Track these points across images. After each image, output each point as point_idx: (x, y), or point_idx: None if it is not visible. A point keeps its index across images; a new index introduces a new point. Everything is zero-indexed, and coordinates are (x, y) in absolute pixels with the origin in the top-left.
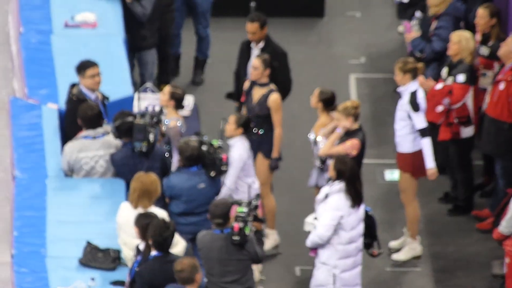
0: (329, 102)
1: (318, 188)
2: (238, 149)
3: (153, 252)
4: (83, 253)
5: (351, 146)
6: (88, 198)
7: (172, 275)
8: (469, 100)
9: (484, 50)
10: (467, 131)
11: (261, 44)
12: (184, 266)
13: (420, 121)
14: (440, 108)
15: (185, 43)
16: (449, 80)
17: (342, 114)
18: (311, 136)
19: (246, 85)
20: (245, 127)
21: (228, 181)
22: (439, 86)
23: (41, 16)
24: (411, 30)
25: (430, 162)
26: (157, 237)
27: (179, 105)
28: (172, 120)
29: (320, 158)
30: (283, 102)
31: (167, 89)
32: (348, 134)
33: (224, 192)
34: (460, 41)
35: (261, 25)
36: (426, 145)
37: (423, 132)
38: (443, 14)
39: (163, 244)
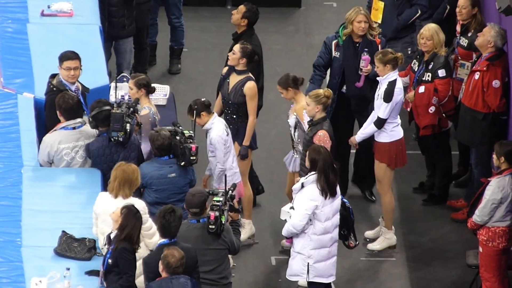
0: (295, 82)
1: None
2: (215, 130)
3: (160, 240)
4: (59, 243)
5: (323, 138)
6: (64, 188)
7: None
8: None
9: (463, 41)
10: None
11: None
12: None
13: (384, 111)
14: (432, 109)
15: (161, 32)
16: (427, 76)
17: (313, 100)
18: (291, 120)
19: (224, 70)
20: (207, 108)
21: (218, 163)
22: (421, 89)
23: (17, 5)
24: (368, 63)
25: (360, 134)
26: (161, 219)
27: (149, 89)
28: (143, 109)
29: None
30: None
31: (130, 83)
32: (314, 124)
33: (217, 172)
34: (433, 36)
35: (244, 12)
36: (370, 129)
37: (379, 122)
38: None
39: (168, 228)
